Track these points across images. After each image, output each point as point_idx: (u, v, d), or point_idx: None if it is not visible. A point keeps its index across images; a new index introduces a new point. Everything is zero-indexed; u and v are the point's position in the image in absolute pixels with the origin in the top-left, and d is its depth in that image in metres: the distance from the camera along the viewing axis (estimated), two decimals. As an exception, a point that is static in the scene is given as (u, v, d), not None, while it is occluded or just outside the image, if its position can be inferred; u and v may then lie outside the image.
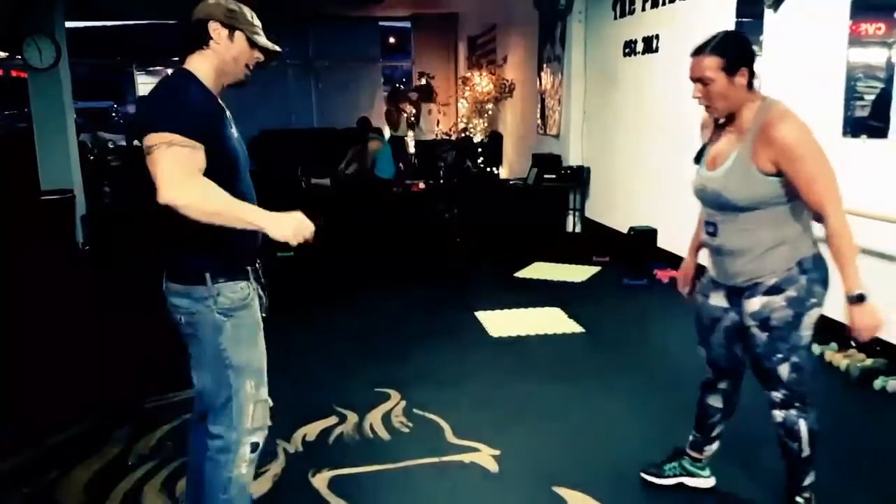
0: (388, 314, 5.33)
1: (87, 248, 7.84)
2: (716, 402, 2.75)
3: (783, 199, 2.34)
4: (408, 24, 15.33)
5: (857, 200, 4.19)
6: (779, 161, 2.28)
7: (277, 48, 2.23)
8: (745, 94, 2.37)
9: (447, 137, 12.14)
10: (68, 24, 8.33)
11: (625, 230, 6.84)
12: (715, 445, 2.83)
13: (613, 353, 4.43)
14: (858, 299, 2.30)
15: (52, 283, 6.54)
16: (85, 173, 8.31)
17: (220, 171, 2.03)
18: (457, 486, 2.96)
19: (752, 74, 2.37)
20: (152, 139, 1.92)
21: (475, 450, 3.22)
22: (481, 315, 5.22)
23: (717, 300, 2.58)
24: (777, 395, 2.47)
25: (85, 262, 7.55)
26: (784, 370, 2.42)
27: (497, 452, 3.19)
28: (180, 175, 1.90)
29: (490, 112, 12.09)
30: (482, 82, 11.95)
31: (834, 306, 4.55)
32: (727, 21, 5.43)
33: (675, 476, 2.88)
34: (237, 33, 2.13)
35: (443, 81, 14.23)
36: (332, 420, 3.51)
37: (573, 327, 4.95)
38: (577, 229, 8.43)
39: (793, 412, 2.47)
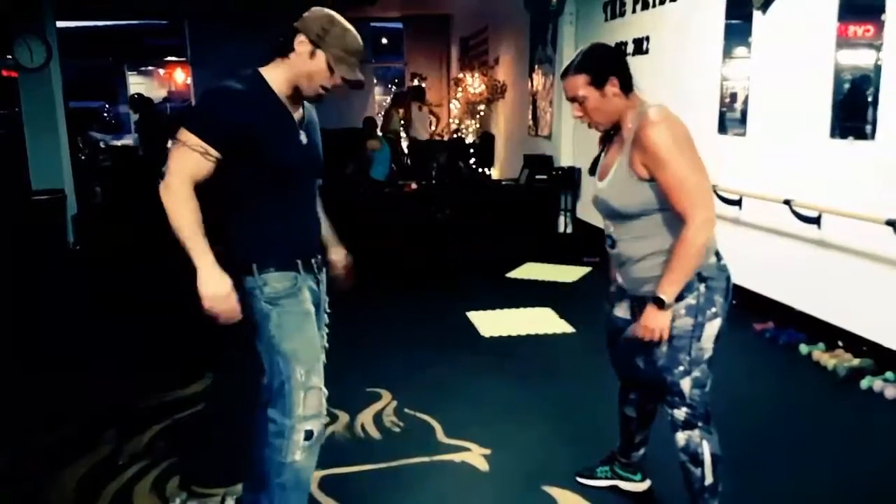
0: (379, 314, 5.34)
1: (78, 248, 7.82)
2: (630, 412, 2.76)
3: (668, 205, 2.28)
4: (400, 25, 15.33)
5: (844, 202, 4.23)
6: (648, 165, 2.24)
7: (359, 78, 2.21)
8: (621, 103, 2.34)
9: (439, 138, 12.15)
10: (59, 24, 8.30)
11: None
12: (640, 452, 2.83)
13: (604, 353, 4.42)
14: (659, 303, 2.26)
15: (42, 283, 6.52)
16: (76, 173, 8.29)
17: (268, 177, 2.16)
18: (447, 486, 2.97)
19: (624, 81, 2.33)
20: (179, 134, 2.07)
21: (466, 449, 3.24)
22: (472, 315, 5.23)
23: (622, 311, 2.58)
24: (680, 413, 2.40)
25: (76, 262, 7.53)
26: (686, 385, 2.36)
27: (488, 452, 3.21)
28: (177, 177, 2.04)
29: (482, 113, 12.11)
30: (474, 83, 11.98)
31: (827, 305, 4.59)
32: (717, 23, 5.46)
33: (606, 478, 2.89)
34: (319, 53, 2.13)
35: (435, 82, 14.25)
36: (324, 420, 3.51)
37: (564, 327, 4.97)
38: (569, 230, 8.46)
39: (696, 434, 2.39)
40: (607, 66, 2.33)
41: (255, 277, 2.17)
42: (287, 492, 2.27)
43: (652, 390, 2.62)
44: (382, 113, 13.25)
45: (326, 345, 2.48)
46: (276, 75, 2.16)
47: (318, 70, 2.14)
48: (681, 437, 2.42)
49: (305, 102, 2.28)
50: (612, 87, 2.31)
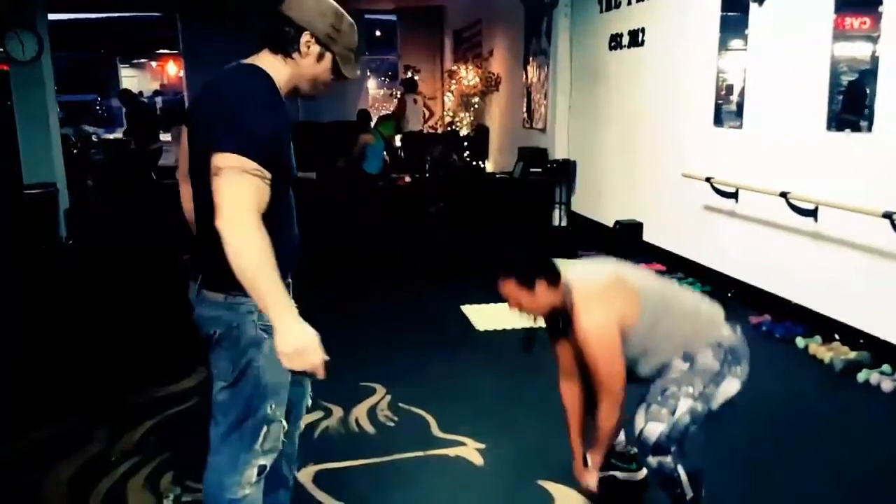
0: (373, 308, 5.32)
1: (71, 243, 7.77)
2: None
3: (644, 335, 2.42)
4: (393, 18, 15.28)
5: (840, 194, 4.22)
6: (579, 343, 2.43)
7: (357, 74, 2.06)
8: (553, 295, 2.49)
9: (433, 131, 12.12)
10: (51, 17, 8.23)
11: (611, 224, 6.86)
12: (619, 437, 2.81)
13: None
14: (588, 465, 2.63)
15: (33, 277, 6.48)
16: (68, 167, 8.23)
17: (281, 181, 1.88)
18: (442, 480, 2.95)
19: (550, 278, 2.48)
20: (225, 159, 1.73)
21: (460, 443, 3.22)
22: (467, 309, 5.21)
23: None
24: (656, 429, 2.36)
25: (68, 256, 7.48)
26: (685, 406, 2.36)
27: (482, 446, 3.19)
28: (246, 211, 1.72)
29: (476, 105, 12.08)
30: (468, 76, 11.94)
31: (823, 298, 4.59)
32: (713, 15, 5.44)
33: (604, 469, 2.88)
34: (327, 55, 1.94)
35: (429, 75, 14.21)
36: (318, 414, 3.49)
37: (559, 321, 4.95)
38: (564, 223, 8.44)
39: (668, 459, 2.37)
40: (533, 269, 2.49)
41: (252, 298, 1.83)
42: None
43: None
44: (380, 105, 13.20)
45: None
46: (279, 74, 1.91)
47: (324, 71, 1.96)
48: (653, 461, 2.40)
49: None
50: (541, 286, 2.47)
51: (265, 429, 2.01)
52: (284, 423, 2.08)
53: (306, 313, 1.83)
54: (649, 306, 2.43)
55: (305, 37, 1.90)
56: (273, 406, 2.01)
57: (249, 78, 1.89)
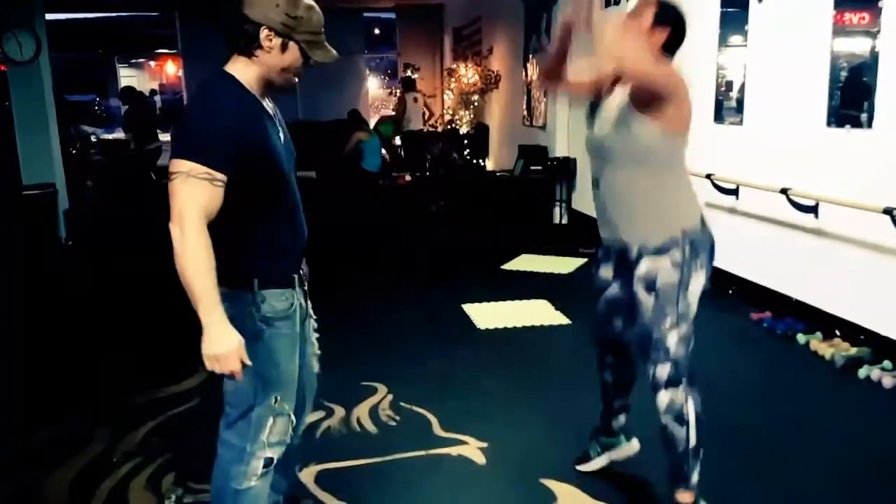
0: (374, 307, 5.31)
1: (70, 243, 7.76)
2: (607, 377, 2.78)
3: (663, 158, 2.39)
4: (393, 15, 15.26)
5: (841, 190, 4.22)
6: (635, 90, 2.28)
7: (334, 56, 2.04)
8: (652, 56, 2.36)
9: (433, 129, 12.11)
10: (49, 17, 8.22)
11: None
12: (621, 418, 2.84)
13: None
14: None
15: (34, 278, 6.48)
16: (67, 167, 8.23)
17: (266, 185, 1.96)
18: (444, 479, 2.95)
19: (671, 40, 2.43)
20: (175, 165, 1.82)
21: (462, 442, 3.22)
22: (468, 307, 5.21)
23: (605, 272, 2.63)
24: (663, 369, 2.39)
25: (68, 257, 7.48)
26: (672, 339, 2.38)
27: (484, 445, 3.19)
28: (191, 217, 1.80)
29: (476, 103, 12.07)
30: (468, 74, 11.93)
31: (824, 294, 4.58)
32: (713, 11, 5.43)
33: (598, 455, 2.90)
34: (291, 44, 1.94)
35: (428, 73, 14.20)
36: (319, 414, 3.49)
37: (560, 319, 4.95)
38: (564, 221, 8.44)
39: (679, 392, 2.40)
40: (671, 18, 2.41)
41: (254, 293, 1.99)
42: None
43: (627, 352, 2.66)
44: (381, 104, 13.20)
45: (319, 352, 2.40)
46: (247, 75, 1.94)
47: (293, 60, 1.97)
48: (663, 396, 2.41)
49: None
50: (660, 35, 2.38)
51: (271, 420, 2.07)
52: (293, 417, 2.13)
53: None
54: (685, 145, 2.49)
55: (263, 31, 1.91)
56: (278, 398, 2.07)
57: (208, 87, 1.95)
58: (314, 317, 2.35)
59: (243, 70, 1.95)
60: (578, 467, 2.94)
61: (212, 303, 1.84)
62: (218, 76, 1.96)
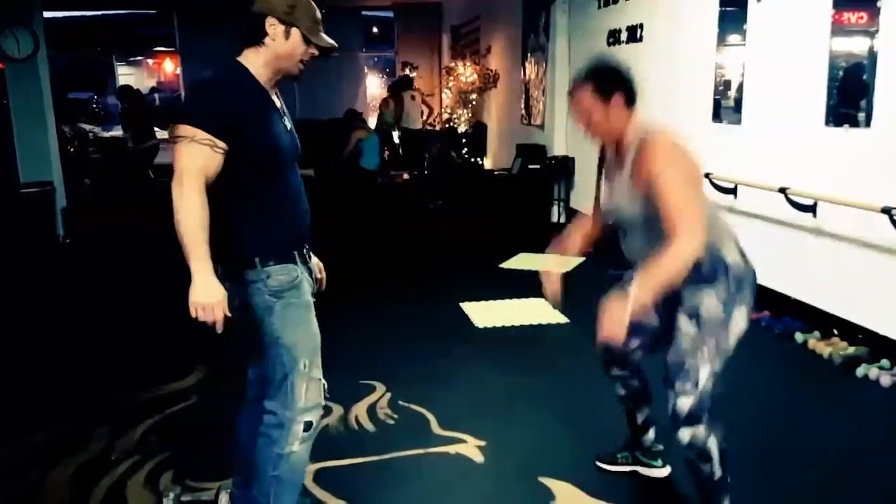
0: (372, 306, 5.31)
1: (68, 241, 7.76)
2: (618, 389, 2.76)
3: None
4: (390, 14, 15.25)
5: (839, 189, 4.22)
6: (647, 183, 2.27)
7: (333, 44, 2.23)
8: (624, 118, 2.39)
9: (431, 128, 12.10)
10: (47, 15, 8.20)
11: (610, 220, 6.84)
12: (650, 434, 2.83)
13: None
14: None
15: (31, 276, 6.47)
16: (65, 165, 8.21)
17: (261, 164, 2.13)
18: (442, 478, 2.95)
19: (629, 96, 2.38)
20: (180, 129, 2.03)
21: (461, 441, 3.22)
22: (466, 306, 5.21)
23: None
24: (685, 401, 2.33)
25: (66, 255, 7.47)
26: (705, 373, 2.34)
27: (482, 443, 3.19)
28: (190, 176, 2.00)
29: (474, 102, 12.06)
30: (466, 72, 11.92)
31: (822, 293, 4.59)
32: (711, 10, 5.43)
33: (626, 464, 2.89)
34: (294, 30, 2.12)
35: (427, 72, 14.18)
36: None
37: (558, 318, 4.95)
38: (562, 219, 8.43)
39: (701, 430, 2.35)
40: (614, 80, 2.38)
41: (257, 271, 2.16)
42: (283, 483, 2.27)
43: (633, 365, 2.67)
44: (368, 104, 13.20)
45: None
46: (256, 63, 2.15)
47: (296, 46, 2.14)
48: (685, 433, 2.36)
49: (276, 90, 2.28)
50: (618, 101, 2.35)
51: (304, 386, 2.24)
52: (323, 380, 2.32)
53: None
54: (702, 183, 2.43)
55: (268, 21, 2.10)
56: (307, 364, 2.24)
57: (215, 70, 2.18)
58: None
59: (252, 59, 2.15)
60: (599, 463, 2.93)
61: (202, 255, 2.03)
62: (229, 63, 2.16)
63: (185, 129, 2.02)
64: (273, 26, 2.10)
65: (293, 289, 2.21)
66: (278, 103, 2.24)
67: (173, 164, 2.03)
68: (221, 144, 2.03)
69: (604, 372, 2.77)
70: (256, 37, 2.12)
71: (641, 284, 2.18)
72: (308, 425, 2.26)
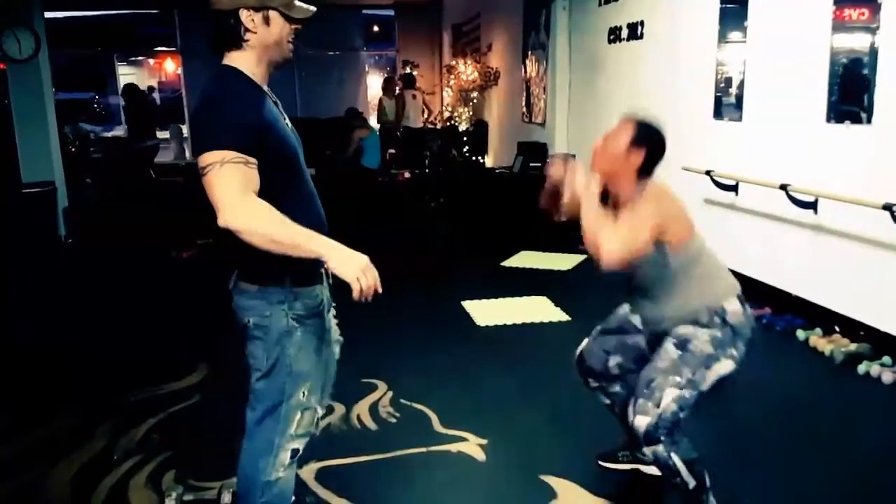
0: (373, 305, 5.29)
1: (70, 241, 7.77)
2: (602, 399, 2.82)
3: (682, 260, 2.42)
4: (391, 12, 15.24)
5: (840, 186, 4.22)
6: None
7: (312, 8, 2.04)
8: (632, 178, 2.45)
9: (432, 126, 12.10)
10: (48, 15, 8.20)
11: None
12: None
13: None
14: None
15: (34, 276, 6.48)
16: (66, 165, 8.22)
17: (282, 171, 1.97)
18: (444, 476, 2.95)
19: (648, 162, 2.43)
20: (205, 159, 1.83)
21: (462, 439, 3.22)
22: (468, 304, 5.21)
23: (637, 320, 2.66)
24: (643, 420, 2.36)
25: (68, 254, 7.48)
26: (670, 396, 2.36)
27: (484, 441, 3.19)
28: (236, 196, 1.81)
29: (475, 100, 12.05)
30: (467, 70, 11.91)
31: (824, 290, 4.58)
32: (712, 7, 5.42)
33: (628, 462, 2.90)
34: (272, 13, 1.95)
35: (427, 70, 14.18)
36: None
37: (559, 315, 4.95)
38: (563, 218, 8.42)
39: (661, 448, 2.37)
40: (647, 139, 2.42)
41: (285, 290, 2.01)
42: None
43: (610, 377, 2.72)
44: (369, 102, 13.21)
45: (340, 338, 2.42)
46: (247, 62, 1.97)
47: (281, 29, 1.98)
48: (647, 451, 2.41)
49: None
50: (637, 157, 2.40)
51: (299, 415, 2.11)
52: (318, 409, 2.19)
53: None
54: (699, 240, 2.48)
55: (243, 14, 1.93)
56: (306, 393, 2.12)
57: (218, 80, 1.96)
58: (334, 304, 2.36)
59: (241, 61, 1.97)
60: (601, 462, 2.94)
61: (314, 236, 1.86)
62: (222, 70, 1.98)
63: (210, 157, 1.82)
64: (250, 18, 1.92)
65: (316, 315, 2.11)
66: (274, 98, 2.07)
67: (211, 198, 1.82)
68: (252, 160, 1.84)
69: (585, 386, 2.83)
70: (235, 38, 1.94)
71: (589, 199, 2.43)
72: (294, 453, 2.15)
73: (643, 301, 2.56)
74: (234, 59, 1.98)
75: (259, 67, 2.00)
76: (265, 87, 2.04)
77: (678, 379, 2.38)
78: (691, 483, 2.42)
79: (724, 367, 2.42)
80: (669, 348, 2.44)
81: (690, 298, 2.44)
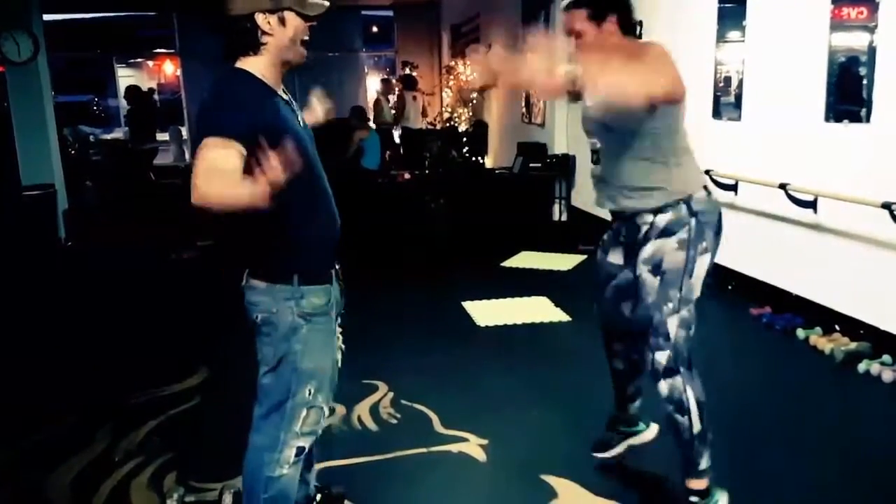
0: (374, 305, 5.32)
1: (70, 244, 7.77)
2: (618, 364, 2.79)
3: (660, 124, 2.39)
4: (390, 13, 15.25)
5: (840, 185, 4.22)
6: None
7: (325, 3, 2.03)
8: (617, 43, 2.37)
9: (432, 127, 12.10)
10: (46, 17, 8.20)
11: (610, 218, 6.85)
12: (636, 403, 2.85)
13: (600, 341, 4.42)
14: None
15: (34, 279, 6.48)
16: (66, 168, 8.23)
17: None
18: (445, 476, 2.96)
19: (624, 21, 2.37)
20: (201, 146, 1.85)
21: (463, 439, 3.22)
22: (468, 305, 5.21)
23: (615, 258, 2.64)
24: (662, 356, 2.39)
25: (68, 257, 7.48)
26: (673, 324, 2.38)
27: (485, 442, 3.20)
28: (203, 174, 1.80)
29: (474, 101, 12.05)
30: (466, 71, 11.91)
31: (823, 289, 4.58)
32: (710, 6, 5.43)
33: (619, 442, 2.89)
34: (287, 14, 1.95)
35: (427, 70, 14.18)
36: (320, 412, 3.49)
37: (560, 316, 4.96)
38: (563, 218, 8.43)
39: (678, 381, 2.39)
40: (609, 2, 2.35)
41: (293, 288, 2.03)
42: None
43: (635, 338, 2.64)
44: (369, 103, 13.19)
45: (343, 346, 2.39)
46: (261, 65, 1.97)
47: (297, 29, 1.98)
48: (664, 385, 2.41)
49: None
50: (611, 25, 2.33)
51: (304, 412, 2.12)
52: (325, 408, 2.20)
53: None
54: (684, 109, 2.50)
55: (259, 18, 1.93)
56: (312, 390, 2.12)
57: (223, 80, 1.98)
58: (343, 310, 2.34)
59: (254, 64, 1.97)
60: (596, 454, 2.92)
61: (248, 186, 1.77)
62: (231, 72, 1.98)
63: (205, 140, 1.83)
64: (266, 21, 1.92)
65: (324, 314, 2.11)
66: (286, 99, 2.08)
67: (194, 169, 1.82)
68: (232, 143, 1.83)
69: (605, 348, 2.81)
70: (253, 42, 1.95)
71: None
72: (300, 450, 2.16)
73: (610, 183, 2.53)
74: (247, 62, 1.98)
75: (271, 70, 2.00)
76: (278, 89, 2.04)
77: (671, 304, 2.38)
78: (696, 426, 2.41)
79: (703, 264, 2.41)
80: (647, 278, 2.42)
81: (658, 185, 2.41)
